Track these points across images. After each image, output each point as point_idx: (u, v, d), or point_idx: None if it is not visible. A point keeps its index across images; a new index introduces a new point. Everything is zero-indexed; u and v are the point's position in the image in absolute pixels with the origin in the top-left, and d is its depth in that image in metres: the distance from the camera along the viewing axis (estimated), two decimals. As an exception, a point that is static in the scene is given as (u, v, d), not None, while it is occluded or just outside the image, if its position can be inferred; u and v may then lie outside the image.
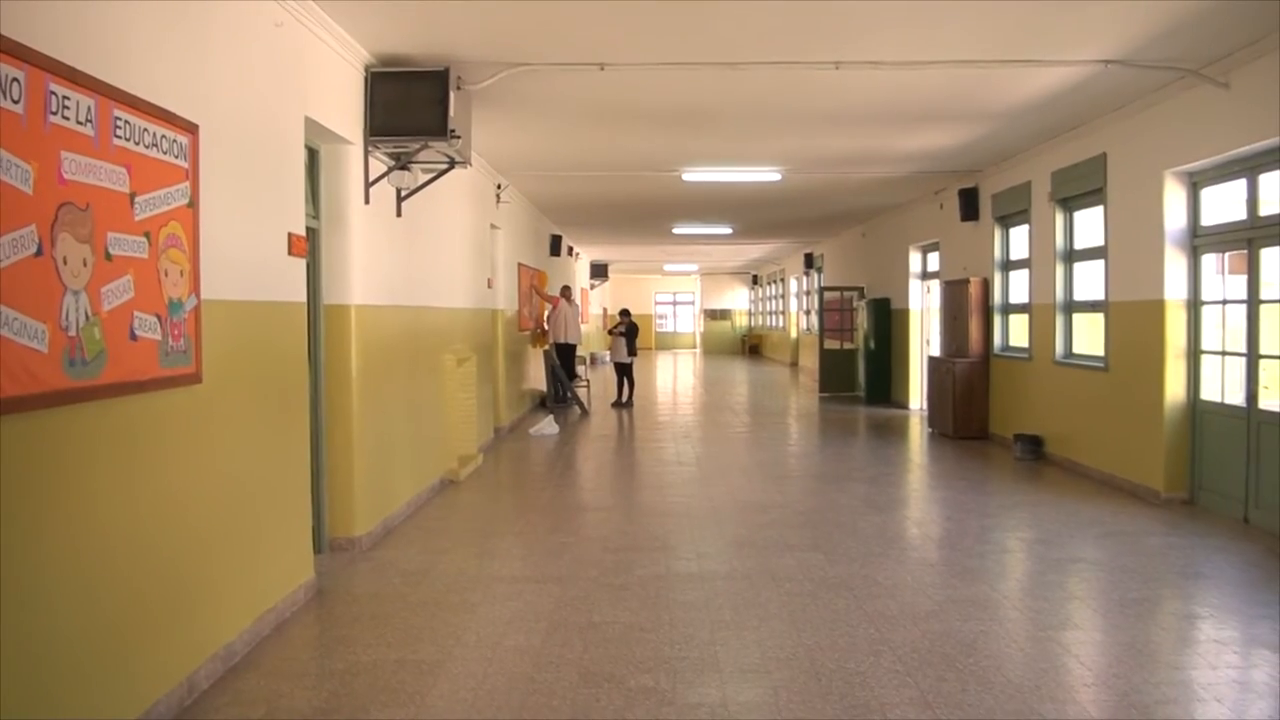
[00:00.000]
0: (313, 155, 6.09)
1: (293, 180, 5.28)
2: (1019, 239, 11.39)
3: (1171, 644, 4.72)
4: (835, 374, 18.38)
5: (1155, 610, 5.23)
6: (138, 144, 3.58)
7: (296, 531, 5.28)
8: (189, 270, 3.98)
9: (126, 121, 3.50)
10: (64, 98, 3.13)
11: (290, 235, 5.15)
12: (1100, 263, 9.01)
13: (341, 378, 6.26)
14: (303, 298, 5.41)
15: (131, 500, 3.59)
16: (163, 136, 3.75)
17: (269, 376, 4.90)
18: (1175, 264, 7.78)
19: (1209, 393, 7.66)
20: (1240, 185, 7.25)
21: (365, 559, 6.20)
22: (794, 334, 28.01)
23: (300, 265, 5.35)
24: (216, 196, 4.24)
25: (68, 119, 3.15)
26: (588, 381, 17.10)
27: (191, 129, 3.99)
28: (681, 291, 42.16)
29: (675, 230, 19.70)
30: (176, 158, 3.87)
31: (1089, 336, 9.67)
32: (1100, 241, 8.99)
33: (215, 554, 4.27)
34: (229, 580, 4.41)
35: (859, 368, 17.62)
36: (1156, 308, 7.88)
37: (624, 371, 16.69)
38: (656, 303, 41.95)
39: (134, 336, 3.56)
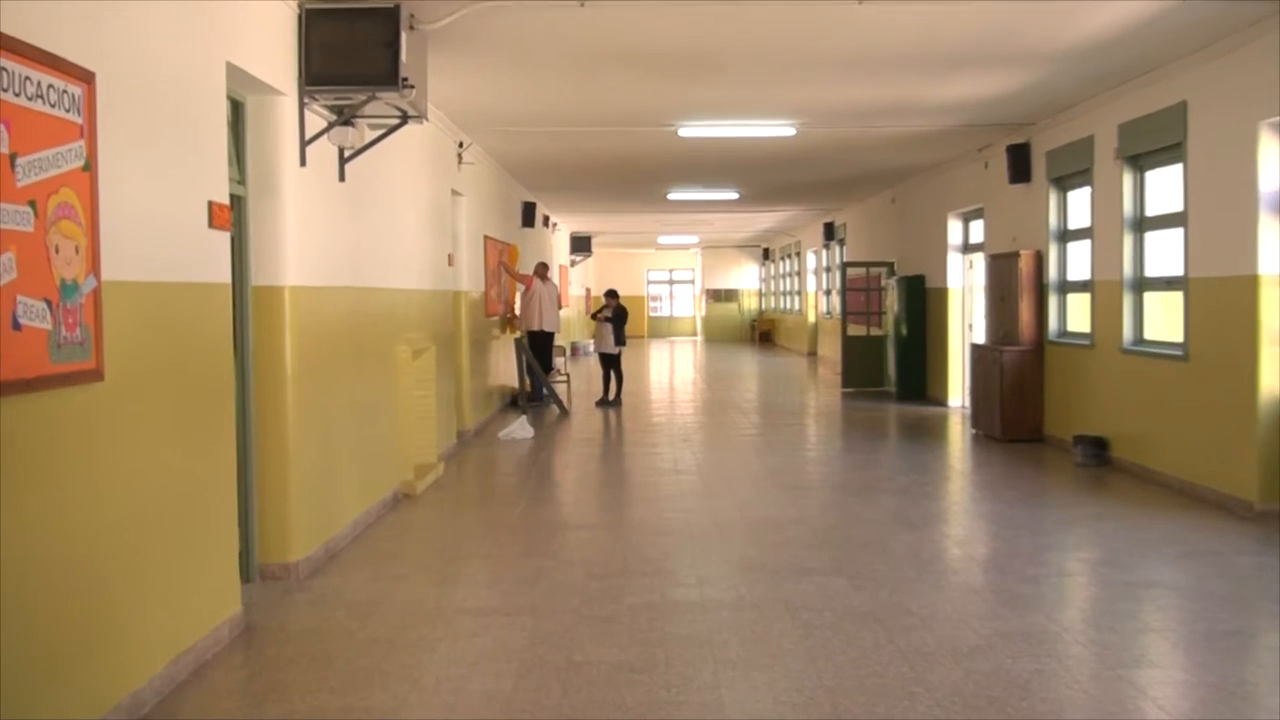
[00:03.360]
0: (237, 109, 6.04)
1: (212, 138, 5.24)
2: (1079, 204, 11.37)
3: (1270, 684, 4.70)
4: (860, 365, 18.41)
5: (1250, 644, 5.24)
6: (18, 95, 3.52)
7: (220, 557, 5.26)
8: (86, 246, 3.93)
9: (3, 68, 3.43)
10: (-73, 38, 3.06)
11: (211, 204, 5.13)
12: (1178, 231, 8.99)
13: (274, 373, 6.24)
14: (227, 278, 5.41)
15: (14, 522, 3.53)
16: (50, 86, 3.70)
17: (187, 372, 4.88)
18: (1271, 232, 7.76)
19: (1313, 386, 7.65)
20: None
21: (303, 589, 6.18)
22: (812, 318, 28.08)
23: (224, 240, 5.34)
24: (119, 158, 4.19)
25: (-68, 63, 3.08)
26: (567, 376, 17.11)
27: (86, 78, 3.94)
28: (679, 269, 42.23)
29: (671, 196, 19.70)
30: (68, 112, 3.81)
31: (1164, 319, 9.67)
32: (1178, 206, 8.97)
33: (120, 586, 4.24)
34: (137, 617, 4.37)
35: (888, 358, 17.64)
36: (1248, 284, 7.87)
37: (611, 364, 16.67)
38: (649, 282, 42.05)
39: (17, 325, 3.52)
